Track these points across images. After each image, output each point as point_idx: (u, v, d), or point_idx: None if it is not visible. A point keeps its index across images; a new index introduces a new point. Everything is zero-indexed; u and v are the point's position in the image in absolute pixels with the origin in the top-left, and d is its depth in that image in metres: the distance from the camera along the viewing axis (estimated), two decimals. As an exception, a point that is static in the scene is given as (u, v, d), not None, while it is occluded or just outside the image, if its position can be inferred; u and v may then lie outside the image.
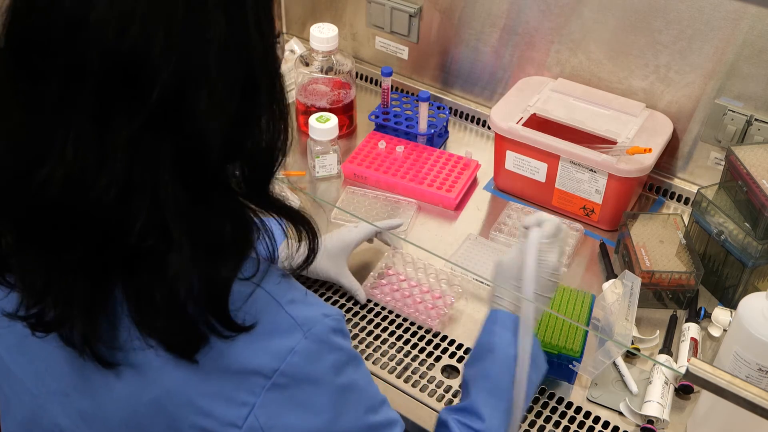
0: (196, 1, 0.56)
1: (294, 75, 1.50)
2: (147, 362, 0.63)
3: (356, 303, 1.17)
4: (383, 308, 1.17)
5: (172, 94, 0.55)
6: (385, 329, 1.14)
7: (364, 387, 0.70)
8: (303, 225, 0.68)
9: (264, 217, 0.66)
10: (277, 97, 0.64)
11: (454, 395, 1.04)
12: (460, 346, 1.11)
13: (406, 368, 1.08)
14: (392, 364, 1.09)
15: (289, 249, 0.69)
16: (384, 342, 1.12)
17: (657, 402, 1.00)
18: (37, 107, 0.57)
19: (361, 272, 1.22)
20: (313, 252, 0.70)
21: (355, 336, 1.12)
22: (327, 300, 1.18)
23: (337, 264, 1.16)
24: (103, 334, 0.62)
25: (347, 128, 1.51)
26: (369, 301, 1.18)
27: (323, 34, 1.43)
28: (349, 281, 1.16)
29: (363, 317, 1.15)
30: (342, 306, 1.17)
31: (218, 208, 0.61)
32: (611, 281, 1.17)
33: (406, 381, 1.06)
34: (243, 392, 0.62)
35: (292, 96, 1.49)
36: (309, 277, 1.19)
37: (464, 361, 0.88)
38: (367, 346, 1.11)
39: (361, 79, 1.67)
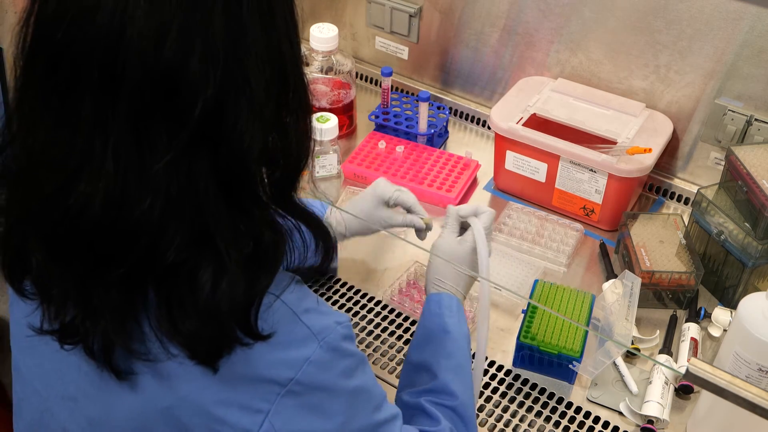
0: (232, 10, 0.55)
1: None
2: (165, 372, 0.63)
3: (356, 303, 1.17)
4: (383, 308, 1.17)
5: (213, 106, 0.55)
6: (385, 329, 1.14)
7: (371, 387, 0.71)
8: (322, 233, 0.68)
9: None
10: (304, 101, 0.64)
11: (454, 395, 1.04)
12: (460, 346, 1.11)
13: (406, 368, 1.08)
14: (392, 364, 1.09)
15: (305, 255, 0.69)
16: (384, 342, 1.12)
17: (657, 402, 1.00)
18: (68, 122, 0.55)
19: (382, 276, 1.22)
20: (328, 261, 0.70)
21: (355, 336, 1.12)
22: (328, 300, 1.18)
23: (382, 212, 1.13)
24: (129, 343, 0.62)
25: (347, 128, 1.51)
26: (369, 301, 1.18)
27: (323, 34, 1.43)
28: (403, 219, 1.12)
29: (363, 317, 1.15)
30: (342, 306, 1.17)
31: (257, 219, 0.61)
32: (611, 281, 1.17)
33: (406, 381, 1.06)
34: (258, 400, 0.63)
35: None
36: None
37: (410, 345, 0.90)
38: (367, 346, 1.11)
39: (361, 79, 1.67)
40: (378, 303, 1.17)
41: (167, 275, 0.59)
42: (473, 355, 0.92)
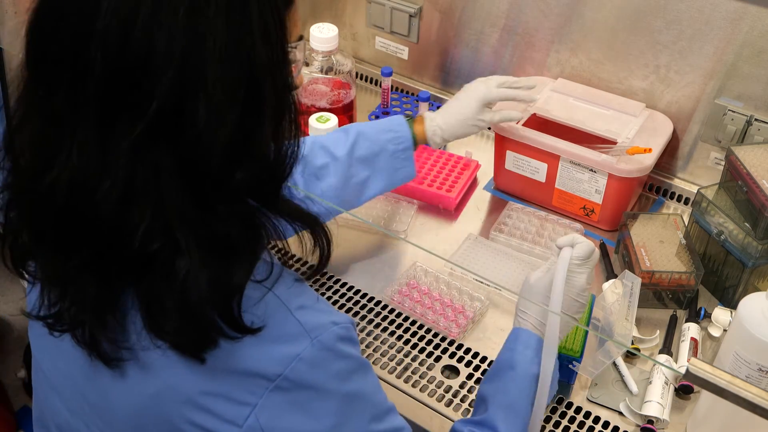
0: (197, 8, 0.56)
1: (294, 75, 1.50)
2: (152, 361, 0.63)
3: (356, 303, 1.17)
4: (383, 308, 1.17)
5: (171, 102, 0.56)
6: (385, 329, 1.14)
7: (371, 395, 0.70)
8: (317, 229, 0.68)
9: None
10: (286, 105, 0.63)
11: (454, 395, 1.04)
12: (459, 347, 1.11)
13: (406, 368, 1.08)
14: (392, 364, 1.09)
15: (303, 254, 0.69)
16: (384, 342, 1.12)
17: (657, 402, 1.00)
18: (50, 114, 0.59)
19: (382, 276, 1.22)
20: (326, 257, 0.70)
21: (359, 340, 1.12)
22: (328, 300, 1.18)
23: (484, 115, 1.20)
24: (111, 334, 0.63)
25: (347, 128, 1.51)
26: (369, 301, 1.18)
27: (323, 34, 1.43)
28: (500, 116, 1.21)
29: (363, 317, 1.15)
30: (342, 306, 1.17)
31: (224, 214, 0.61)
32: (611, 281, 1.17)
33: (406, 381, 1.06)
34: (245, 392, 0.63)
35: (292, 96, 1.49)
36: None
37: (484, 376, 0.89)
38: (367, 346, 1.11)
39: (361, 79, 1.67)
40: (378, 303, 1.18)
41: (143, 269, 0.60)
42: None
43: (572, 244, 0.90)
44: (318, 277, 1.17)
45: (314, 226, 0.68)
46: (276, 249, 0.68)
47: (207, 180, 0.59)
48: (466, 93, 1.20)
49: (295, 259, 1.18)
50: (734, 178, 1.15)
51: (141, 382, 0.64)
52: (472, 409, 1.01)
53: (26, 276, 0.69)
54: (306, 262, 1.19)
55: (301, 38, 0.70)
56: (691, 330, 1.10)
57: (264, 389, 0.62)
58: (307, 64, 1.46)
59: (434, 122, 1.18)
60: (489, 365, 1.08)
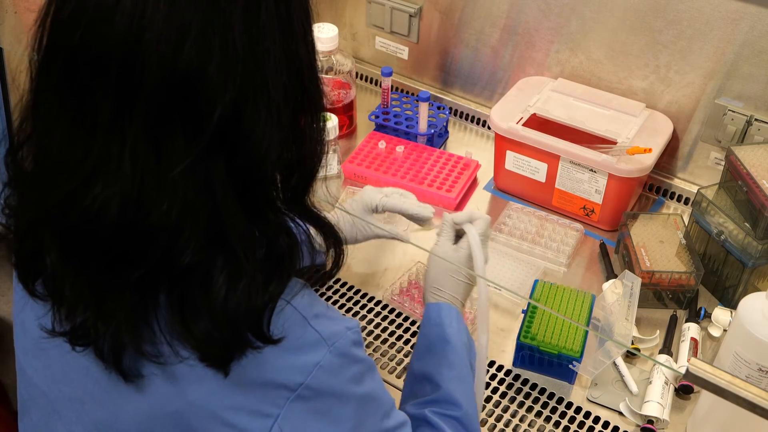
0: (251, 13, 0.55)
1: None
2: (175, 374, 0.62)
3: (357, 303, 1.17)
4: (384, 308, 1.17)
5: (231, 111, 0.55)
6: (385, 329, 1.14)
7: (380, 394, 0.71)
8: (333, 238, 0.68)
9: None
10: (320, 105, 0.64)
11: (454, 395, 1.04)
12: (460, 346, 1.11)
13: (406, 368, 1.08)
14: (392, 364, 1.09)
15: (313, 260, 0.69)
16: (384, 342, 1.12)
17: (657, 402, 1.00)
18: (86, 124, 0.55)
19: (382, 276, 1.22)
20: (338, 267, 0.70)
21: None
22: (328, 301, 1.18)
23: (371, 221, 1.12)
24: (141, 345, 0.61)
25: (347, 128, 1.51)
26: (369, 301, 1.18)
27: (323, 34, 1.43)
28: (389, 230, 1.13)
29: (363, 317, 1.15)
30: (342, 306, 1.17)
31: (273, 223, 0.61)
32: (611, 281, 1.17)
33: (406, 381, 1.06)
34: (267, 404, 0.63)
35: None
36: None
37: (412, 356, 0.90)
38: (368, 346, 1.11)
39: (361, 79, 1.67)
40: (378, 303, 1.18)
41: (181, 278, 0.59)
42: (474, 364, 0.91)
43: (471, 220, 0.97)
44: (318, 277, 1.17)
45: (331, 231, 0.68)
46: None
47: (260, 189, 0.59)
48: (356, 196, 1.14)
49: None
50: (734, 178, 1.15)
51: (160, 401, 0.63)
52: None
53: (37, 293, 0.66)
54: (317, 270, 1.19)
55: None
56: (691, 330, 1.10)
57: (286, 399, 0.63)
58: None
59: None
60: (489, 365, 1.09)
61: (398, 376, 1.07)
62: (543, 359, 1.05)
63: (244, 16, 0.54)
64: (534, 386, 1.06)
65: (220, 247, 0.58)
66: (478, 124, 1.55)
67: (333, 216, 1.11)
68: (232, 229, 0.57)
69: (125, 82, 0.53)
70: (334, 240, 0.69)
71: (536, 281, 1.14)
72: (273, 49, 0.56)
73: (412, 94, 1.60)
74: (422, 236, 1.30)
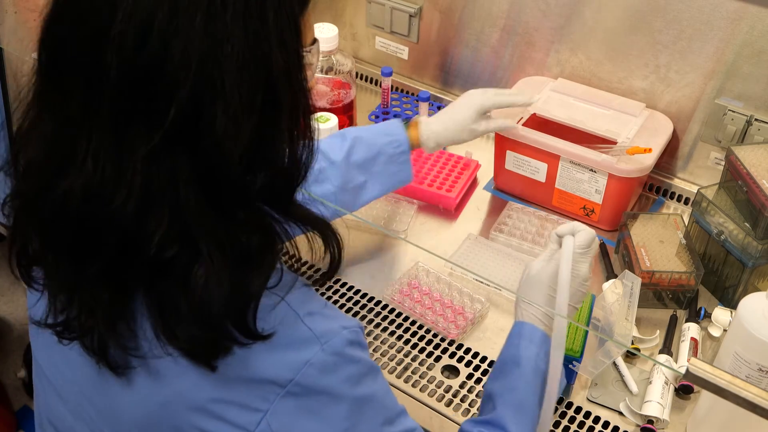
0: (215, 15, 0.55)
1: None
2: (163, 368, 0.63)
3: (357, 303, 1.17)
4: (383, 308, 1.17)
5: (189, 109, 0.55)
6: (385, 329, 1.14)
7: (382, 398, 0.70)
8: (329, 235, 0.68)
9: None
10: (302, 112, 0.63)
11: (454, 395, 1.04)
12: (460, 347, 1.11)
13: (406, 368, 1.08)
14: (392, 364, 1.09)
15: (313, 259, 0.69)
16: (384, 342, 1.12)
17: (657, 402, 1.00)
18: (63, 119, 0.58)
19: (382, 276, 1.22)
20: (337, 263, 0.69)
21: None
22: (328, 300, 1.18)
23: (479, 123, 1.21)
24: (122, 341, 0.63)
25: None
26: (369, 301, 1.18)
27: (323, 34, 1.43)
28: (495, 124, 1.23)
29: (363, 317, 1.15)
30: (342, 306, 1.17)
31: (243, 220, 0.60)
32: (611, 281, 1.17)
33: (406, 381, 1.06)
34: (256, 399, 0.63)
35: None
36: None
37: (488, 375, 0.88)
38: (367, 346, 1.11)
39: (361, 79, 1.67)
40: (378, 303, 1.18)
41: (157, 276, 0.59)
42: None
43: (573, 233, 0.88)
44: (318, 277, 1.17)
45: (326, 230, 0.68)
46: (287, 255, 0.68)
47: (225, 186, 0.59)
48: (462, 100, 1.21)
49: (307, 265, 1.19)
50: (734, 178, 1.15)
51: (150, 390, 0.64)
52: (473, 409, 1.01)
53: (33, 284, 0.68)
54: (315, 267, 1.19)
55: (315, 42, 0.70)
56: (691, 330, 1.10)
57: (275, 395, 0.62)
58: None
59: (429, 127, 1.17)
60: (489, 365, 1.08)
61: (398, 377, 1.07)
62: (543, 359, 1.05)
63: (207, 15, 0.55)
64: (534, 386, 1.06)
65: (190, 245, 0.58)
66: (478, 124, 1.55)
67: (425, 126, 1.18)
68: (196, 226, 0.58)
69: (92, 77, 0.56)
70: (330, 239, 0.68)
71: (536, 281, 1.14)
72: (235, 53, 0.56)
73: (412, 94, 1.60)
74: (422, 236, 1.30)
